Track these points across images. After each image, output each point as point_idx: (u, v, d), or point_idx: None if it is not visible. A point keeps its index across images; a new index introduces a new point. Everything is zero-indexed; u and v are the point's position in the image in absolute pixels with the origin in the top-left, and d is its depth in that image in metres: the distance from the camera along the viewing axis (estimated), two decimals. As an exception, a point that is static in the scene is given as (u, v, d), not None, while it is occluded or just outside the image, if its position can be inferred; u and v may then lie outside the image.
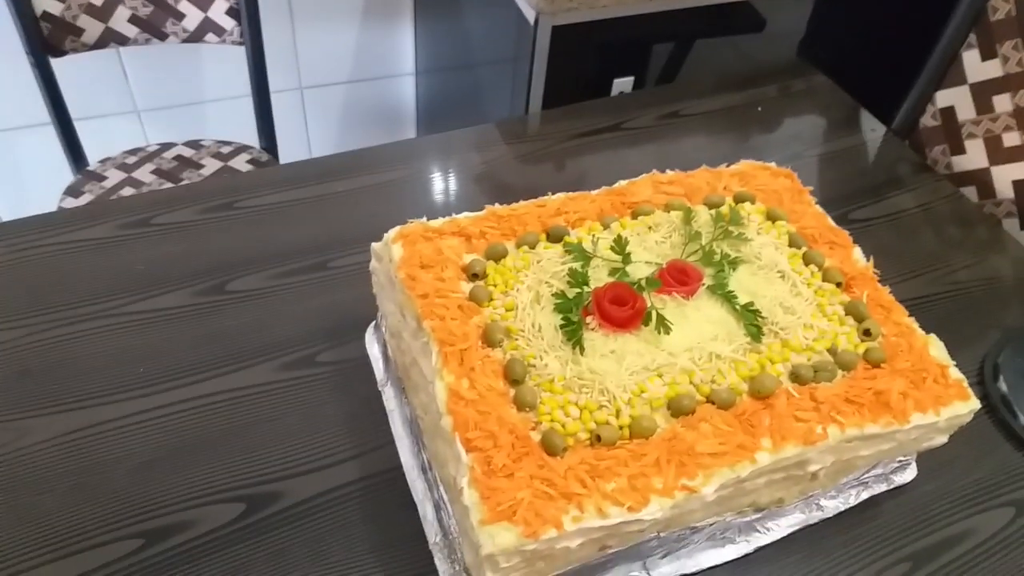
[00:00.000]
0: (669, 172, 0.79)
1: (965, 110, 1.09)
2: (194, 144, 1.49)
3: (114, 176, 1.40)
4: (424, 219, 0.70)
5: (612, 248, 0.68)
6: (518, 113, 1.29)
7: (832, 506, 0.69)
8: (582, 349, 0.61)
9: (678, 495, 0.55)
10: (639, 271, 0.67)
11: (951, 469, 0.75)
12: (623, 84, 1.29)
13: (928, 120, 1.14)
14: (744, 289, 0.67)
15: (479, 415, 0.57)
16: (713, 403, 0.60)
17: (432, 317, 0.62)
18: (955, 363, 0.66)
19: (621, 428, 0.58)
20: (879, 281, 0.72)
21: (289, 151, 1.61)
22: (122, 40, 1.38)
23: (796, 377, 0.62)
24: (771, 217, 0.75)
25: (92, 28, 1.35)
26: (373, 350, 0.77)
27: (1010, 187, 1.06)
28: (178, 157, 1.45)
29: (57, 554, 0.62)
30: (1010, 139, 1.05)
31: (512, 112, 1.33)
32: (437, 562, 0.63)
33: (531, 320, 0.63)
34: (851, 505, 0.70)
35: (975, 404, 0.64)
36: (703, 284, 0.67)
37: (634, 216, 0.74)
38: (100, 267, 0.84)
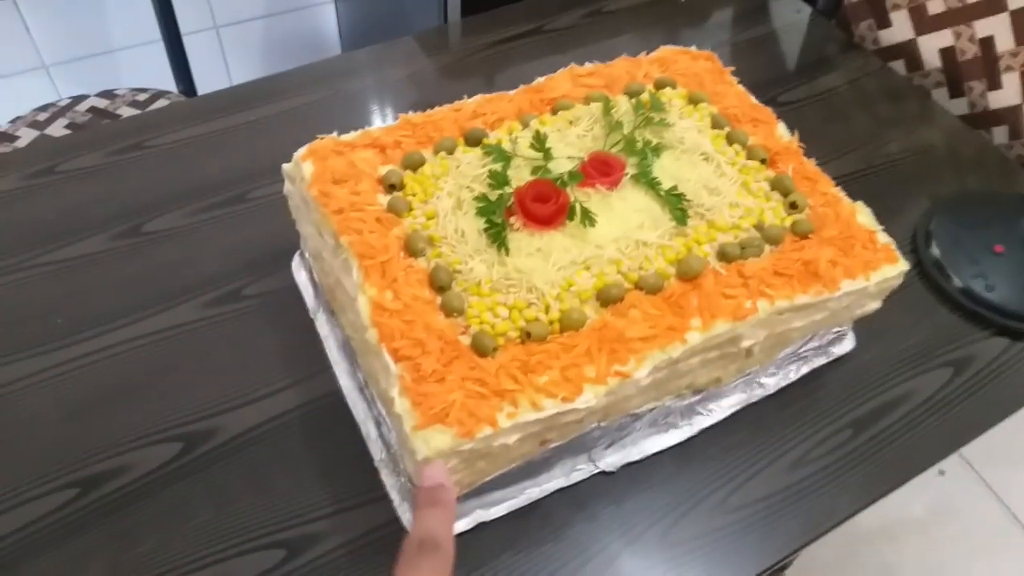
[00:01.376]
0: (588, 65, 0.77)
1: (889, -19, 1.07)
2: (108, 94, 1.42)
3: (26, 135, 1.33)
4: (335, 134, 0.67)
5: (532, 146, 0.66)
6: (443, 25, 1.25)
7: (772, 383, 0.70)
8: (507, 250, 0.59)
9: (611, 381, 0.54)
10: (561, 167, 0.65)
11: (889, 336, 0.76)
12: (543, -14, 1.24)
13: (853, -4, 1.12)
14: (668, 175, 0.66)
15: (405, 324, 0.55)
16: (642, 289, 0.59)
17: (349, 232, 0.60)
18: (889, 232, 0.66)
19: (551, 323, 0.57)
20: (805, 155, 0.71)
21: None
22: (15, -11, 1.30)
23: (723, 256, 0.61)
24: (693, 100, 0.73)
25: (-20, -22, 1.27)
26: (300, 278, 0.75)
27: (937, 56, 1.05)
28: (92, 109, 1.38)
29: (-10, 513, 0.61)
30: (934, 6, 1.03)
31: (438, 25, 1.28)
32: (383, 477, 0.62)
33: (453, 226, 0.61)
34: (791, 381, 0.71)
35: (904, 266, 0.64)
36: (626, 174, 0.65)
37: (554, 112, 0.72)
38: (7, 221, 0.80)
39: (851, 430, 0.70)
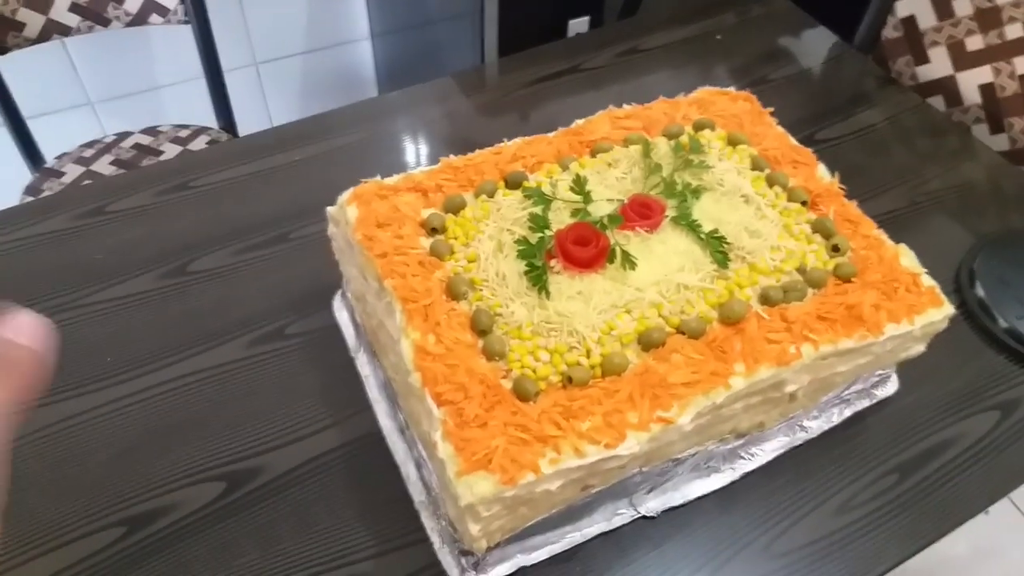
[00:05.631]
0: (626, 107, 0.78)
1: (926, 18, 1.07)
2: (151, 131, 1.46)
3: (72, 171, 1.37)
4: (378, 177, 0.68)
5: (572, 188, 0.67)
6: (481, 65, 1.27)
7: (816, 426, 0.69)
8: (548, 293, 0.60)
9: (654, 428, 0.54)
10: (601, 209, 0.66)
11: (933, 378, 0.75)
12: (578, 24, 1.26)
13: (890, 32, 1.12)
14: (708, 217, 0.66)
15: (448, 368, 0.56)
16: (683, 333, 0.59)
17: (393, 275, 0.61)
18: (932, 272, 0.65)
19: (592, 368, 0.57)
20: (846, 196, 0.70)
21: (250, 129, 1.57)
22: (65, 31, 1.34)
23: (766, 299, 0.61)
24: (732, 142, 0.74)
25: (33, 21, 1.31)
26: (342, 317, 0.76)
27: (977, 92, 1.05)
28: (136, 145, 1.42)
29: (41, 549, 0.62)
30: (973, 43, 1.03)
31: (476, 65, 1.30)
32: (423, 520, 0.62)
33: (495, 269, 0.62)
34: (835, 424, 0.70)
35: (949, 310, 0.64)
36: (666, 216, 0.66)
37: (593, 154, 0.72)
38: (59, 260, 0.82)
39: (897, 474, 0.69)
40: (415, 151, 0.98)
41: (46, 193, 1.33)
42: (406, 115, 1.03)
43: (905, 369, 0.72)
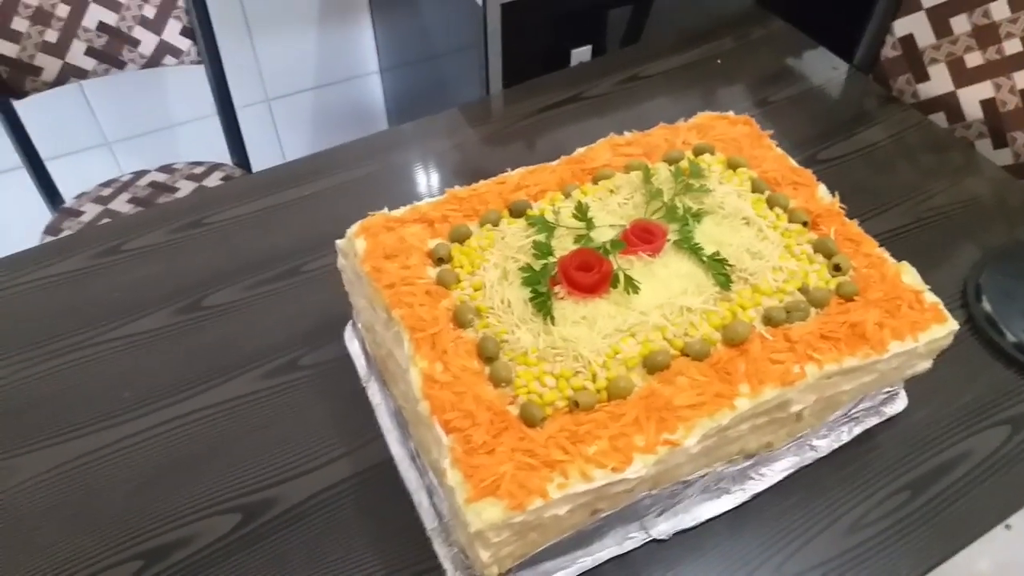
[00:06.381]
0: (627, 133, 0.79)
1: (924, 36, 1.08)
2: (167, 169, 1.49)
3: (91, 210, 1.40)
4: (386, 210, 0.70)
5: (574, 215, 0.68)
6: (486, 97, 1.29)
7: (825, 445, 0.69)
8: (553, 319, 0.61)
9: (661, 450, 0.55)
10: (603, 235, 0.67)
11: (942, 394, 0.75)
12: (581, 54, 1.28)
13: (889, 51, 1.13)
14: (710, 240, 0.67)
15: (455, 396, 0.57)
16: (688, 356, 0.60)
17: (400, 305, 0.62)
18: (939, 287, 0.66)
19: (598, 392, 0.58)
20: (848, 215, 0.71)
21: (263, 164, 1.59)
22: (82, 74, 1.38)
23: (769, 320, 0.62)
24: (732, 165, 0.75)
25: (50, 66, 1.35)
26: (353, 347, 0.77)
27: (978, 108, 1.05)
28: (152, 183, 1.45)
29: (61, 585, 0.63)
30: (972, 59, 1.04)
31: (481, 96, 1.32)
32: (436, 547, 0.63)
33: (500, 296, 0.63)
34: (844, 442, 0.70)
35: (953, 326, 0.64)
36: (668, 240, 0.67)
37: (595, 181, 0.74)
38: (76, 299, 0.84)
39: (908, 492, 0.69)
40: (424, 182, 1.00)
41: (65, 232, 1.36)
42: (415, 147, 1.05)
43: (913, 385, 0.72)
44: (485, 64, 1.20)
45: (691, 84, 1.13)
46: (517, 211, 0.70)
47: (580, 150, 0.77)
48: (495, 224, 0.69)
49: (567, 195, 0.72)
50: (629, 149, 0.76)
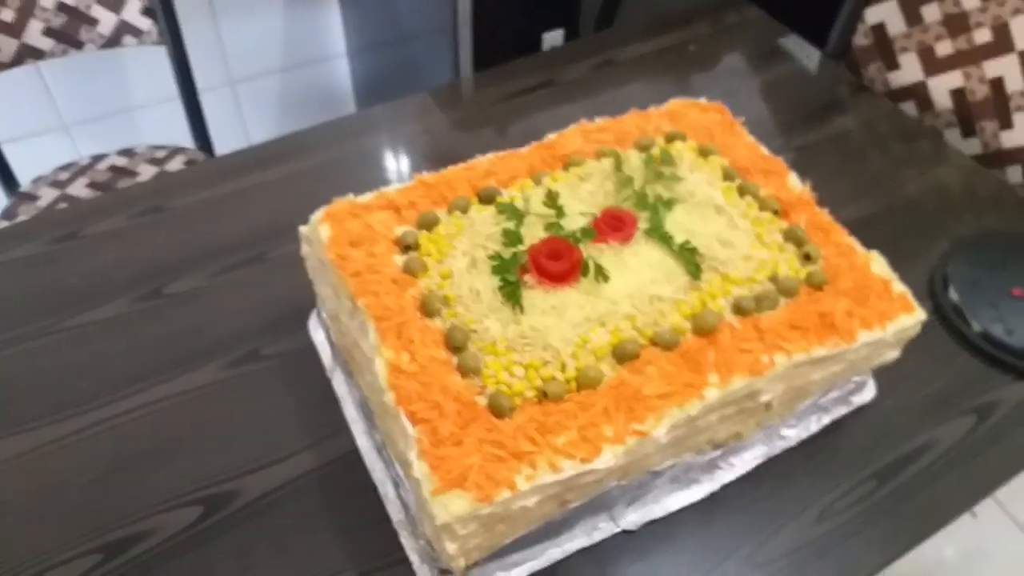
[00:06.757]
0: (598, 119, 0.78)
1: (895, 24, 1.08)
2: (127, 152, 1.45)
3: (48, 195, 1.36)
4: (351, 196, 0.68)
5: (544, 203, 0.67)
6: (457, 81, 1.27)
7: (794, 435, 0.69)
8: (522, 308, 0.60)
9: (630, 440, 0.54)
10: (574, 223, 0.66)
11: (910, 383, 0.75)
12: (553, 38, 1.27)
13: (860, 39, 1.13)
14: (681, 229, 0.66)
15: (422, 386, 0.55)
16: (658, 345, 0.59)
17: (365, 294, 0.60)
18: (907, 276, 0.66)
19: (568, 382, 0.57)
20: (818, 204, 0.71)
21: (227, 148, 1.56)
22: (38, 54, 1.33)
23: (739, 309, 0.61)
24: (703, 153, 0.74)
25: (6, 46, 1.30)
26: (318, 337, 0.75)
27: (948, 97, 1.06)
28: (112, 167, 1.41)
29: (15, 580, 0.61)
30: (943, 48, 1.04)
31: (452, 80, 1.30)
32: (402, 539, 0.62)
33: (468, 285, 0.62)
34: (813, 432, 0.70)
35: (921, 315, 0.64)
36: (639, 229, 0.66)
37: (565, 168, 0.73)
38: (33, 286, 0.81)
39: (875, 481, 0.69)
40: (393, 168, 0.98)
41: (21, 218, 1.32)
42: (383, 131, 1.03)
43: (882, 375, 0.72)
44: (455, 47, 1.18)
45: (664, 70, 1.12)
46: (486, 198, 0.69)
47: (551, 136, 0.76)
48: (464, 211, 0.68)
49: (537, 182, 0.71)
50: (601, 135, 0.75)
